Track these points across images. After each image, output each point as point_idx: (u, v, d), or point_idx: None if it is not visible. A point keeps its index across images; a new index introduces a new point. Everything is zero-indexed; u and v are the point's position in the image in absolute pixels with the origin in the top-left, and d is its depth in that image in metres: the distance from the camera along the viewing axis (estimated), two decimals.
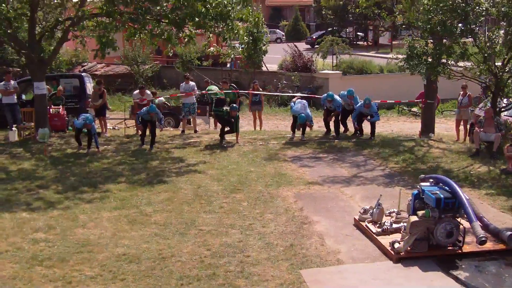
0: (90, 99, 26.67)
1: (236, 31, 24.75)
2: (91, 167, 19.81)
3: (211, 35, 26.43)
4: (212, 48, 40.71)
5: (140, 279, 11.41)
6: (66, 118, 26.35)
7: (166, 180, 18.29)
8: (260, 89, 27.64)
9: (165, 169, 19.61)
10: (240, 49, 38.74)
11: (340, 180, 18.34)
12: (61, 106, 26.26)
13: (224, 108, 24.33)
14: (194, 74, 36.99)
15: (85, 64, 43.67)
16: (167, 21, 23.72)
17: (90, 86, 29.13)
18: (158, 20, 24.05)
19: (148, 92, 27.09)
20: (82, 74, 31.14)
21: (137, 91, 26.90)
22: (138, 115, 23.29)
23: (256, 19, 24.31)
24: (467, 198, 12.93)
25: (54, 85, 28.29)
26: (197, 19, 22.96)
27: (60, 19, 25.33)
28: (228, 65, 44.82)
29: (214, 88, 28.35)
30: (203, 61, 43.60)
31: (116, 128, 28.21)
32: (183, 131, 26.26)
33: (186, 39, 25.07)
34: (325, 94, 25.62)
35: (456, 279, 11.72)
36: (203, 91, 28.15)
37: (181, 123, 27.13)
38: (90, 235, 13.74)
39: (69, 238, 13.51)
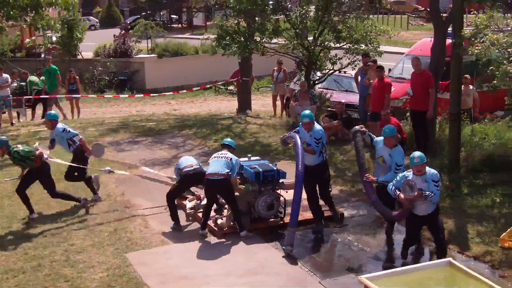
0: None
1: (47, 20, 24.05)
2: None
3: (24, 26, 25.51)
4: (28, 40, 39.53)
5: None
6: None
7: None
8: (77, 77, 26.97)
9: None
10: (55, 38, 37.77)
11: (160, 162, 18.25)
12: None
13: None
14: (9, 66, 35.59)
15: None
16: None
17: None
18: None
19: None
20: None
21: None
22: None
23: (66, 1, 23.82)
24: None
25: None
26: (5, 9, 22.15)
27: None
28: (43, 55, 43.61)
29: (34, 79, 27.30)
30: (17, 52, 42.25)
31: None
32: None
33: None
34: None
35: (279, 249, 12.00)
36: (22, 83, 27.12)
37: None
38: None
39: None
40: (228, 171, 12.53)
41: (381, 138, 12.51)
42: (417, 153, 11.03)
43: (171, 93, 30.63)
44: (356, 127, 13.05)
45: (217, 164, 12.67)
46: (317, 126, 13.25)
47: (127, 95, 30.92)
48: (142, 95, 29.90)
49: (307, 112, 13.40)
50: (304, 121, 13.11)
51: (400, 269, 9.68)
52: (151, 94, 30.64)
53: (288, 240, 11.82)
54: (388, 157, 12.22)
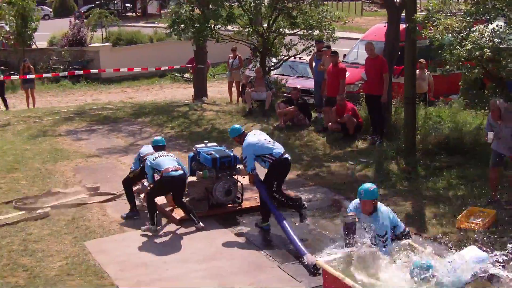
0: None
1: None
2: None
3: None
4: None
5: None
6: None
7: None
8: (32, 67, 26.72)
9: None
10: (8, 28, 37.32)
11: (117, 150, 18.16)
12: None
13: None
14: None
15: None
16: None
17: None
18: None
19: None
20: None
21: None
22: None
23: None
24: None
25: None
26: None
27: None
28: None
29: None
30: None
31: None
32: None
33: None
34: None
35: (238, 234, 12.02)
36: None
37: None
38: None
39: None
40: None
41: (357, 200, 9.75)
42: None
43: (126, 70, 30.48)
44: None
45: (170, 160, 12.41)
46: (245, 143, 12.15)
47: (81, 71, 30.85)
48: (97, 71, 29.80)
49: (234, 126, 12.82)
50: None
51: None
52: (106, 71, 30.51)
53: (310, 261, 10.49)
54: (369, 228, 9.49)
